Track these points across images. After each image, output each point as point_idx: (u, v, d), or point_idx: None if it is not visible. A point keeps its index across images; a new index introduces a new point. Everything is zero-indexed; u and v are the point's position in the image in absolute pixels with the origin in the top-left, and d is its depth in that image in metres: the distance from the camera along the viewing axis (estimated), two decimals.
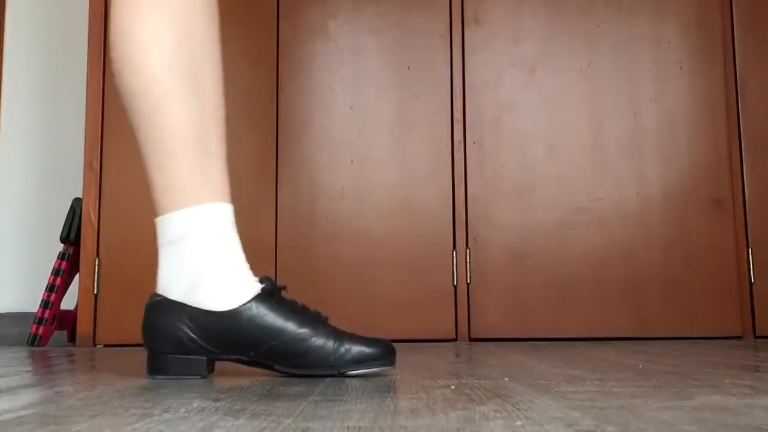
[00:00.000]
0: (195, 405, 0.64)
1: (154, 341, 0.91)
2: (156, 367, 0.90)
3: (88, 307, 1.96)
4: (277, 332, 0.89)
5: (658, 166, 1.97)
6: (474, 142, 2.01)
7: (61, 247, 2.07)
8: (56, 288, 2.02)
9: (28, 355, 1.52)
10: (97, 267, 1.97)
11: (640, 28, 2.03)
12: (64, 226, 2.06)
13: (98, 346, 1.94)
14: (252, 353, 0.89)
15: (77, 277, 2.01)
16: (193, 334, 0.89)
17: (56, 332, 2.05)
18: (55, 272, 2.04)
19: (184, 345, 0.89)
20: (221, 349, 0.90)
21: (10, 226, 2.32)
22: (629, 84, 2.01)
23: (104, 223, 1.99)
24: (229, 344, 0.89)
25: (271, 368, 0.91)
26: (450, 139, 2.01)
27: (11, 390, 0.80)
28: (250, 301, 0.90)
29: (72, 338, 2.07)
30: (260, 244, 1.97)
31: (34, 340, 1.97)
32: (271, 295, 0.91)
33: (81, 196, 2.03)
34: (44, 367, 1.18)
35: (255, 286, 0.91)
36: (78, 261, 2.00)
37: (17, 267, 2.29)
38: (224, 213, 0.93)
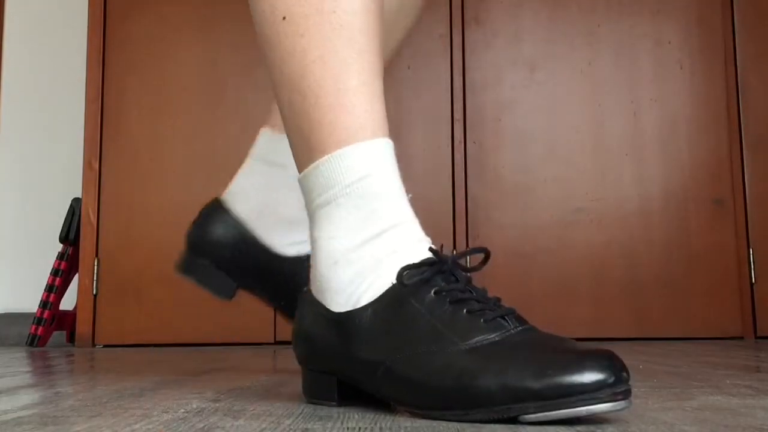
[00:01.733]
0: (194, 405, 0.64)
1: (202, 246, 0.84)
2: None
3: (87, 308, 1.95)
4: None
5: (658, 165, 1.97)
6: (474, 142, 2.01)
7: (60, 247, 2.07)
8: (55, 288, 2.02)
9: (27, 356, 1.52)
10: (96, 267, 1.97)
11: (640, 28, 2.03)
12: (63, 226, 2.06)
13: (97, 346, 1.94)
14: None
15: (76, 277, 2.00)
16: (242, 258, 0.84)
17: (55, 332, 2.05)
18: (54, 272, 2.03)
19: (229, 262, 0.84)
20: (260, 283, 0.84)
21: (9, 226, 2.32)
22: (630, 84, 2.01)
23: (103, 223, 1.99)
24: (268, 282, 0.83)
25: None
26: (450, 138, 2.00)
27: (10, 390, 0.80)
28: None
29: (71, 339, 2.07)
30: None
31: (33, 341, 1.97)
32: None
33: (80, 196, 2.02)
34: (43, 368, 1.17)
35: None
36: (77, 261, 1.99)
37: (16, 267, 2.29)
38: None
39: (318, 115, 0.63)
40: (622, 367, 0.50)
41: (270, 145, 0.84)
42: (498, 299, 0.59)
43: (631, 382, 0.51)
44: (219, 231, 0.83)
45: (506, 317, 0.56)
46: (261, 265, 0.81)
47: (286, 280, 0.80)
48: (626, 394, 0.50)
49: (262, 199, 0.82)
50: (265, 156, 0.84)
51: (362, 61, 0.63)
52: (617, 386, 0.49)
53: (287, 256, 0.82)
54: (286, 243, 0.82)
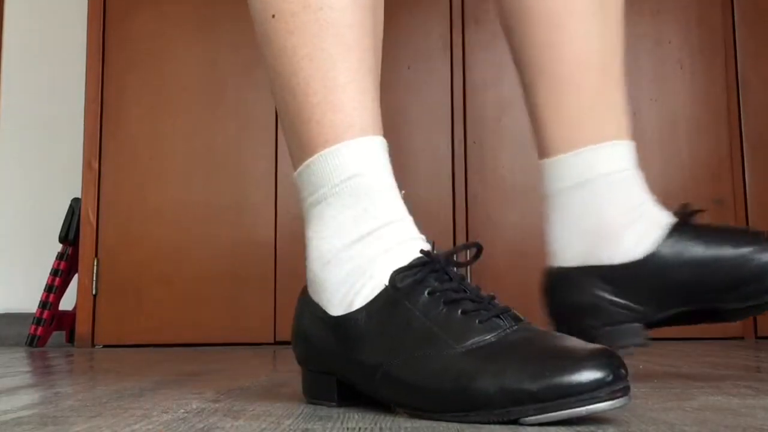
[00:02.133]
0: (194, 406, 0.64)
1: (565, 321, 0.77)
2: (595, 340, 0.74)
3: (86, 308, 1.95)
4: (713, 261, 0.70)
5: (658, 165, 1.97)
6: (474, 142, 2.01)
7: (59, 247, 2.07)
8: (55, 288, 2.02)
9: (27, 356, 1.52)
10: (95, 267, 1.97)
11: (640, 28, 2.03)
12: (62, 226, 2.06)
13: (97, 346, 1.94)
14: (696, 297, 0.72)
15: (76, 277, 2.00)
16: (617, 297, 0.74)
17: (55, 333, 2.05)
18: (54, 272, 2.03)
19: (611, 314, 0.75)
20: (654, 304, 0.74)
21: (9, 226, 2.31)
22: (629, 83, 1.99)
23: (103, 223, 1.99)
24: (661, 295, 0.73)
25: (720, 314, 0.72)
26: (450, 138, 2.00)
27: (10, 391, 0.80)
28: (669, 235, 0.74)
29: (71, 339, 2.07)
30: (260, 245, 1.96)
31: (32, 341, 1.97)
32: (685, 223, 0.74)
33: (80, 196, 2.02)
34: (43, 368, 1.17)
35: (665, 218, 0.75)
36: (77, 261, 1.99)
37: (15, 267, 2.29)
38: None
39: (307, 113, 0.63)
40: (620, 364, 0.50)
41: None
42: (492, 297, 0.58)
43: (629, 379, 0.51)
44: (577, 298, 0.76)
45: (501, 316, 0.56)
46: (643, 283, 0.74)
47: (672, 272, 0.74)
48: (625, 391, 0.50)
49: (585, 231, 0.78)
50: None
51: (351, 58, 0.63)
52: (615, 384, 0.49)
53: (650, 253, 0.75)
54: (641, 242, 0.76)
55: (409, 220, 0.63)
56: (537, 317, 1.89)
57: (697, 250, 0.71)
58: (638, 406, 0.60)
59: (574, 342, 0.54)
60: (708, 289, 0.71)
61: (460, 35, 2.05)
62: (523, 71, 0.84)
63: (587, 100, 0.79)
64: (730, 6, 2.05)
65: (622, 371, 0.50)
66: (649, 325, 0.74)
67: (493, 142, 2.01)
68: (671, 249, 0.72)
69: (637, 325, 0.72)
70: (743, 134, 2.00)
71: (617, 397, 0.49)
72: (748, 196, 1.98)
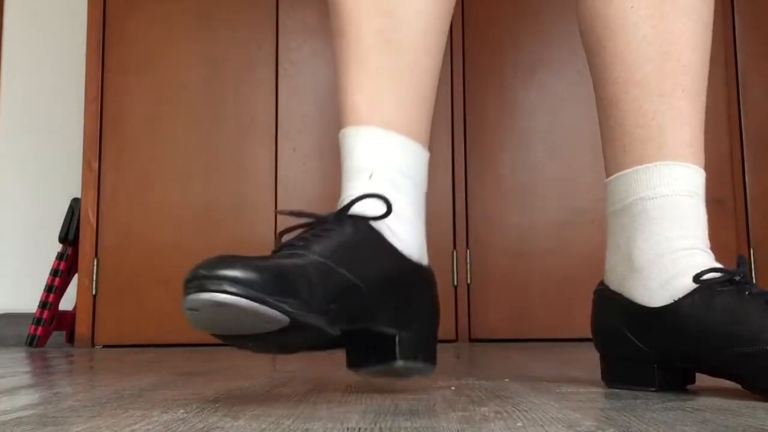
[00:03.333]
0: (194, 406, 0.64)
1: (597, 340, 0.77)
2: (605, 371, 0.76)
3: (86, 308, 1.95)
4: (730, 337, 0.64)
5: None
6: (474, 142, 2.01)
7: (59, 247, 2.07)
8: (55, 288, 2.02)
9: (27, 356, 1.52)
10: (95, 267, 1.97)
11: None
12: (62, 226, 2.06)
13: (97, 346, 1.94)
14: (710, 361, 0.66)
15: (76, 277, 2.00)
16: (629, 332, 0.72)
17: (55, 333, 2.04)
18: (54, 273, 2.03)
19: (624, 346, 0.72)
20: (668, 354, 0.69)
21: (9, 226, 2.31)
22: None
23: (103, 224, 1.99)
24: (677, 348, 0.68)
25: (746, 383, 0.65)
26: (450, 138, 2.00)
27: (10, 391, 0.79)
28: (688, 294, 0.68)
29: (70, 339, 2.07)
30: (260, 244, 1.96)
31: (32, 341, 1.97)
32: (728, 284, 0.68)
33: (79, 197, 2.02)
34: (42, 368, 1.17)
35: (692, 269, 0.69)
36: (76, 261, 1.99)
37: (15, 267, 2.29)
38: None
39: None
40: None
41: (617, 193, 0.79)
42: None
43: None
44: (602, 314, 0.77)
45: None
46: (657, 331, 0.71)
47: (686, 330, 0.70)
48: None
49: (623, 256, 0.75)
50: (616, 207, 0.78)
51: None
52: None
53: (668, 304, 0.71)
54: (659, 290, 0.72)
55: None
56: (537, 316, 1.89)
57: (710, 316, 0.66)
58: (638, 406, 0.60)
59: None
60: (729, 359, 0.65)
61: (460, 35, 2.05)
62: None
63: (633, 120, 0.77)
64: (730, 6, 2.05)
65: None
66: (668, 371, 0.71)
67: (493, 142, 2.01)
68: (686, 309, 0.68)
69: (649, 365, 0.70)
70: (743, 134, 2.00)
71: None
72: (748, 196, 1.98)
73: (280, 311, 0.54)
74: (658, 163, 0.76)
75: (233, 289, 0.52)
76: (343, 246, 0.63)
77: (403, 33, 0.74)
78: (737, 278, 0.68)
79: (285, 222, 1.99)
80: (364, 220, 0.66)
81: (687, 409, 0.58)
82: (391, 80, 0.74)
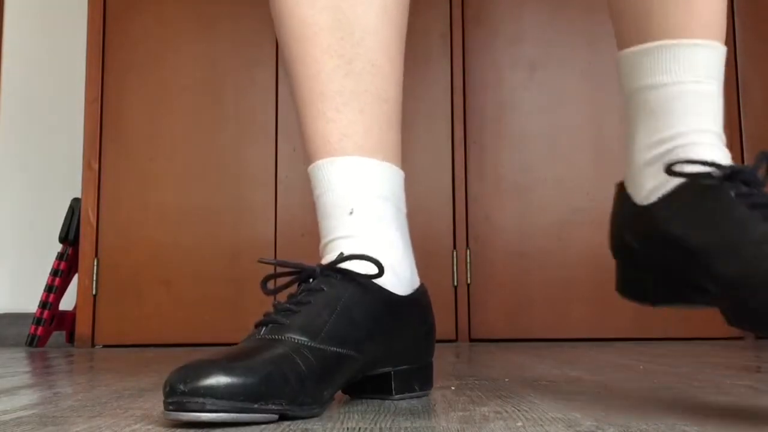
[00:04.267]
0: None
1: (609, 242, 0.66)
2: (615, 277, 0.66)
3: (86, 308, 1.95)
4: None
5: None
6: (474, 142, 2.01)
7: (59, 247, 2.07)
8: (55, 288, 2.02)
9: (27, 356, 1.52)
10: (95, 267, 1.97)
11: None
12: (62, 226, 2.06)
13: (97, 346, 1.94)
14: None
15: (76, 277, 2.00)
16: (629, 236, 0.63)
17: (55, 333, 2.04)
18: (54, 272, 2.03)
19: (624, 250, 0.63)
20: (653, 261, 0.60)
21: (9, 226, 2.31)
22: None
23: (103, 224, 1.99)
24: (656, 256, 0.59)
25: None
26: (450, 138, 2.00)
27: (10, 391, 0.79)
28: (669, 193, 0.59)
29: (71, 339, 2.07)
30: (260, 244, 1.96)
31: (32, 341, 1.97)
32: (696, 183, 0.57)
33: (80, 196, 2.02)
34: (43, 368, 1.17)
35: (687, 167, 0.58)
36: (77, 261, 1.99)
37: (16, 267, 2.29)
38: None
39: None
40: None
41: None
42: None
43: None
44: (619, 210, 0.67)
45: None
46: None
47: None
48: None
49: None
50: None
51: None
52: None
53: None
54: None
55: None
56: (537, 316, 1.90)
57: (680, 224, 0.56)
58: (638, 406, 0.60)
59: None
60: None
61: (461, 35, 2.05)
62: None
63: None
64: (730, 6, 2.05)
65: None
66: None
67: (493, 142, 2.01)
68: (665, 211, 0.58)
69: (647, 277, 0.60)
70: (743, 134, 2.00)
71: None
72: None
73: (268, 413, 0.52)
74: (660, 43, 0.62)
75: (215, 407, 0.50)
76: (335, 312, 0.60)
77: (362, 51, 0.73)
78: (727, 173, 0.55)
79: (285, 222, 1.99)
80: (354, 277, 0.62)
81: (687, 409, 0.58)
82: (358, 104, 0.74)
